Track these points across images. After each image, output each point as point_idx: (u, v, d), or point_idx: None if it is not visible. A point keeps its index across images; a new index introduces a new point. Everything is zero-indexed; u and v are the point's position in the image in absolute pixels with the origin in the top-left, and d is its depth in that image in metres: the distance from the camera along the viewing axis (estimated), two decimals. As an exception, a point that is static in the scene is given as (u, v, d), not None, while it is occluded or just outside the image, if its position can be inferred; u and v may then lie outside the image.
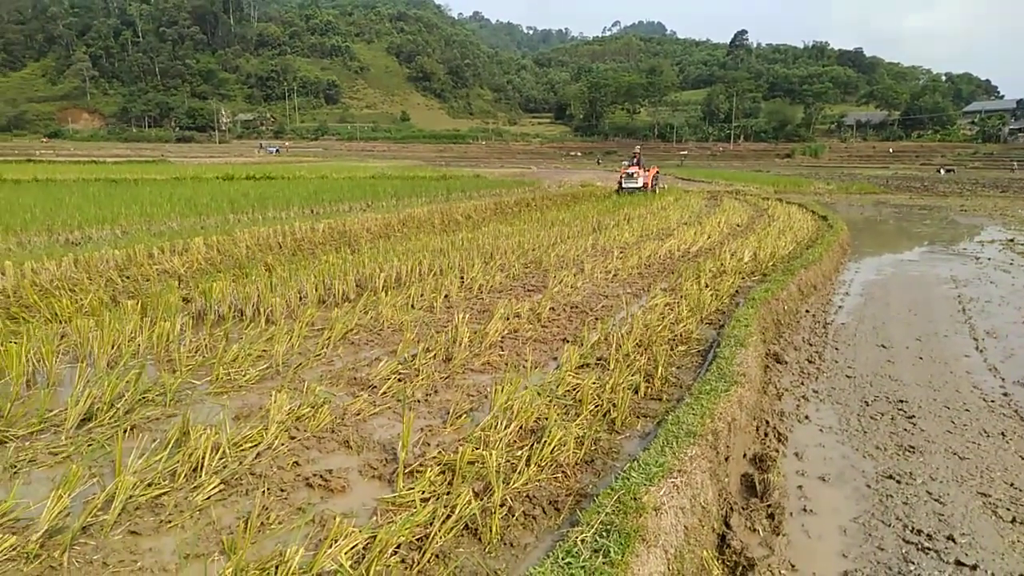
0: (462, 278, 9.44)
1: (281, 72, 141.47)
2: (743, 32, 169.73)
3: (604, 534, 3.02)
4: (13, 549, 3.04)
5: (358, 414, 4.77)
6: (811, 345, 7.56)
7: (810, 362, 6.94)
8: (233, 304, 7.52)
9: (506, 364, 5.96)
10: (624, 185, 27.06)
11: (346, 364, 5.90)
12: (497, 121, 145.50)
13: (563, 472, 3.93)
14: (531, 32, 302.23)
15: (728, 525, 3.79)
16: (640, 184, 26.75)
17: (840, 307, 9.46)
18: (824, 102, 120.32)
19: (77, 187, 21.01)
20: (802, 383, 6.32)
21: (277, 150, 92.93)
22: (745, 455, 4.72)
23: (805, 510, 4.07)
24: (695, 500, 3.61)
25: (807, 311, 9.10)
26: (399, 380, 5.46)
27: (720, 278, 9.74)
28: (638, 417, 4.89)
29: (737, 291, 9.20)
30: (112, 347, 5.89)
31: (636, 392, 5.27)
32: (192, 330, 6.72)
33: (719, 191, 31.04)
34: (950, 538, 3.76)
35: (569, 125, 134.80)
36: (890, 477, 4.46)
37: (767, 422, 5.25)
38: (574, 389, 5.23)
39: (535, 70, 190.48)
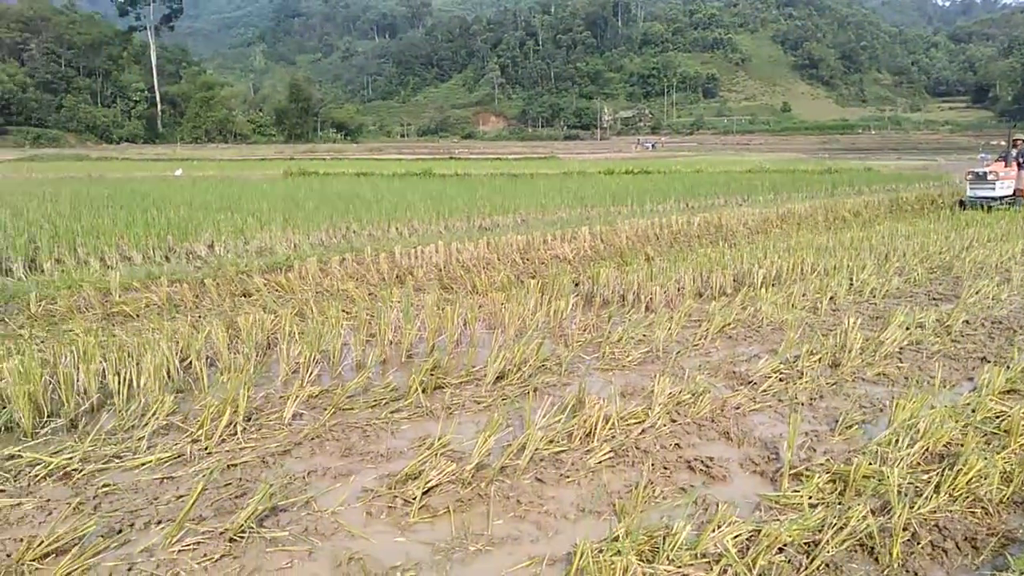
0: (851, 280, 8.66)
1: (662, 69, 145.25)
2: None
3: (1044, 589, 2.55)
4: (452, 474, 3.71)
5: (737, 408, 4.74)
6: None
7: None
8: (616, 290, 8.05)
9: (906, 378, 5.35)
10: (969, 192, 17.22)
11: (724, 357, 5.89)
12: (895, 108, 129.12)
13: (983, 508, 3.40)
14: (947, 4, 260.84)
15: None
16: (1002, 193, 16.64)
17: None
18: None
19: (487, 180, 24.38)
20: None
21: (653, 145, 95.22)
22: None
23: None
24: None
25: None
26: (780, 380, 5.27)
27: None
28: (1090, 462, 3.98)
29: None
30: (518, 319, 6.76)
31: (1088, 431, 4.29)
32: (581, 310, 7.38)
33: None
34: None
35: (992, 110, 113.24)
36: None
37: None
38: (998, 416, 4.46)
39: (950, 47, 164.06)
